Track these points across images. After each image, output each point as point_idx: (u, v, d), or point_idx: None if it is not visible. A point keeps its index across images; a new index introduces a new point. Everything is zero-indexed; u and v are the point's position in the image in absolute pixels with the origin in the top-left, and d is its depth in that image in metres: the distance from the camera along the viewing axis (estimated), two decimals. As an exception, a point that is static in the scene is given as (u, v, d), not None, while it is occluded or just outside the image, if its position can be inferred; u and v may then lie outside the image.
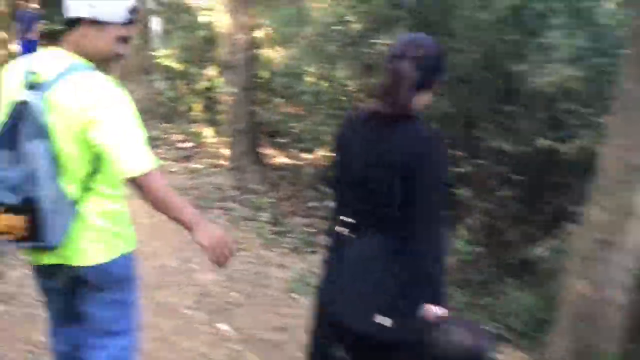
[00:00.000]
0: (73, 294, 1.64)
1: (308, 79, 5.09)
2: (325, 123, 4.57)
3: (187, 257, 3.61)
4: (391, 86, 1.42)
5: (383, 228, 1.45)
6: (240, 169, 5.41)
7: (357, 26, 4.37)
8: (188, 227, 1.48)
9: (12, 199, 1.42)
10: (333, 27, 4.47)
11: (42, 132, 1.43)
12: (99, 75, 1.50)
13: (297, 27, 5.19)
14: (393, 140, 1.42)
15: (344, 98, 4.69)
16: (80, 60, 1.50)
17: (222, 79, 5.98)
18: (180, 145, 6.45)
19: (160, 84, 7.63)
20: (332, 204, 1.65)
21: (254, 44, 5.53)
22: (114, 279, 1.62)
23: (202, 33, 6.74)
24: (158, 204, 1.47)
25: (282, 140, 5.85)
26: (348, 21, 4.42)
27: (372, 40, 4.08)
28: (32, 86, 1.45)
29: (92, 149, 1.48)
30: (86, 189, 1.53)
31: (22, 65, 1.52)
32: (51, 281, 1.64)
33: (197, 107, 7.12)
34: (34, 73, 1.47)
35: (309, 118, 5.09)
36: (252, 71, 5.47)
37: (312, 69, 4.99)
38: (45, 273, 1.63)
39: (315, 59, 4.77)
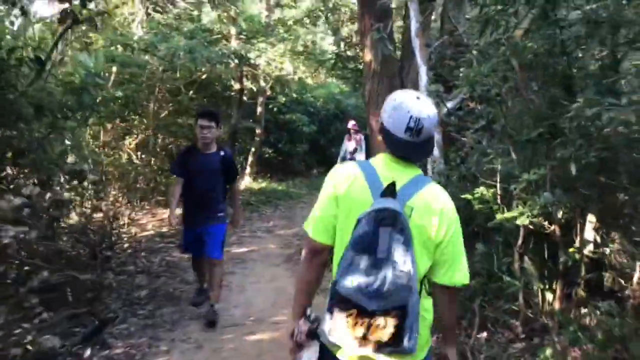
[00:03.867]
0: None
1: None
2: None
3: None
4: None
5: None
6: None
7: None
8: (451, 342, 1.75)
9: (372, 306, 1.45)
10: None
11: (409, 240, 1.47)
12: (441, 188, 1.67)
13: None
14: None
15: None
16: (418, 171, 1.65)
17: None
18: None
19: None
20: None
21: None
22: None
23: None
24: (452, 312, 1.72)
25: None
26: None
27: None
28: (390, 194, 1.51)
29: (434, 253, 1.59)
30: (420, 290, 1.59)
31: (363, 170, 1.63)
32: None
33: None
34: (387, 180, 1.54)
35: None
36: None
37: None
38: None
39: None
